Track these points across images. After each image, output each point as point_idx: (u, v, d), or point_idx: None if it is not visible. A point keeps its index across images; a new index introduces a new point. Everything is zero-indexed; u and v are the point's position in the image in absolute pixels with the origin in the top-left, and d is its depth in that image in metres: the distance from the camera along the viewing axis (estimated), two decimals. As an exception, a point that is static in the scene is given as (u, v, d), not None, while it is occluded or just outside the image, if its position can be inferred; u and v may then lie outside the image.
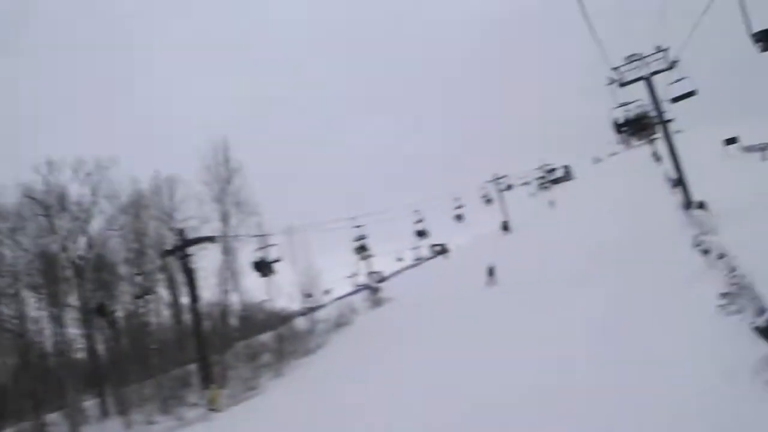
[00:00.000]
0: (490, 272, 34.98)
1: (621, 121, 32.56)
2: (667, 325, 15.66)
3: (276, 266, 35.74)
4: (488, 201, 71.62)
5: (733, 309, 14.43)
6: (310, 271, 45.47)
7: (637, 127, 33.82)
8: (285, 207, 65.40)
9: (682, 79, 29.65)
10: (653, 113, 34.20)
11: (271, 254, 35.38)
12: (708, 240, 22.02)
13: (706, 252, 21.04)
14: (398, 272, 73.14)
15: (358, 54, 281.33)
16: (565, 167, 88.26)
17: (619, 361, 14.50)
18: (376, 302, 48.70)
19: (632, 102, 32.25)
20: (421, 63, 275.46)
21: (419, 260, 77.36)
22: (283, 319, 44.29)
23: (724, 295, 15.22)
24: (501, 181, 70.20)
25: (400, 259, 79.45)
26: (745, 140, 54.46)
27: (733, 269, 17.03)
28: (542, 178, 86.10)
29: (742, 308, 14.20)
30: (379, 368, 25.14)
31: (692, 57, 29.88)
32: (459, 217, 67.74)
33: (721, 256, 19.75)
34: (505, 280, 33.16)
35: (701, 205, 29.94)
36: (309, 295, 46.58)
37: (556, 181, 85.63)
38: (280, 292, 42.58)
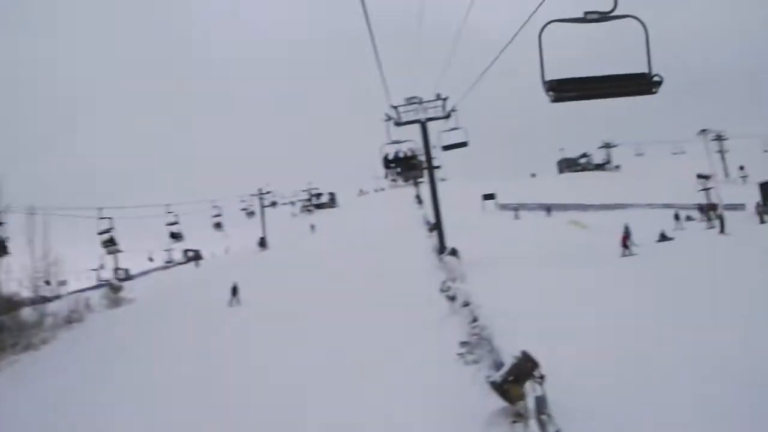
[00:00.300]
0: (234, 291, 33.21)
1: (391, 157, 33.46)
2: (407, 370, 15.65)
3: (10, 247, 31.51)
4: (250, 214, 70.64)
5: (472, 359, 14.85)
6: (47, 258, 40.81)
7: (405, 167, 35.00)
8: (33, 187, 58.73)
9: (456, 129, 31.19)
10: (423, 156, 35.69)
11: (3, 233, 31.15)
12: (455, 287, 22.97)
13: (452, 298, 21.88)
14: (146, 273, 69.11)
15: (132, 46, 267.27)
16: (331, 194, 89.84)
17: (346, 406, 14.16)
18: (116, 302, 44.92)
19: (404, 141, 33.28)
20: (203, 64, 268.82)
21: (170, 263, 73.89)
22: (9, 306, 38.93)
23: (464, 343, 15.69)
24: (265, 196, 69.53)
25: (151, 260, 75.58)
26: (502, 198, 59.53)
27: (474, 319, 17.75)
28: (308, 200, 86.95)
29: (480, 359, 14.65)
30: (105, 373, 22.77)
31: (466, 113, 31.55)
32: (218, 225, 65.73)
33: (466, 304, 20.65)
34: (252, 300, 31.93)
35: (453, 252, 31.57)
36: (47, 283, 41.74)
37: (320, 206, 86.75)
38: (11, 276, 37.58)
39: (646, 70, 8.45)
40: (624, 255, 30.75)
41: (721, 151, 73.21)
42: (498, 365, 12.95)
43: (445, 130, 31.62)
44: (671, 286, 21.20)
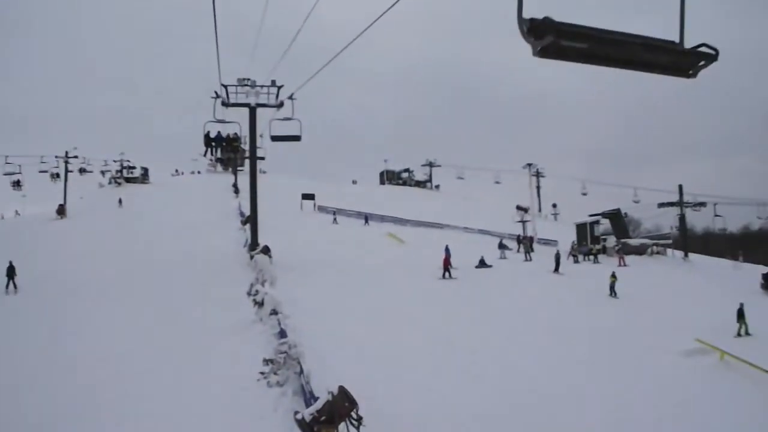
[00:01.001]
0: (10, 272, 27.07)
1: (213, 135, 31.36)
2: (197, 388, 13.63)
3: None
4: (54, 176, 64.67)
5: (276, 381, 13.23)
6: None
7: (227, 148, 32.88)
8: None
9: (290, 120, 29.38)
10: (247, 145, 33.84)
11: None
12: (263, 291, 21.12)
13: (259, 304, 20.03)
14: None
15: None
16: (144, 169, 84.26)
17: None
18: None
19: (230, 122, 31.13)
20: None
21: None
22: None
23: (268, 361, 13.94)
24: (72, 160, 63.93)
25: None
26: (321, 200, 58.61)
27: (282, 333, 16.19)
28: (119, 172, 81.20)
29: (285, 381, 13.13)
30: None
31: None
32: (17, 184, 59.46)
33: (274, 312, 19.02)
34: (33, 284, 27.00)
35: (266, 250, 29.66)
36: None
37: (130, 180, 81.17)
38: None
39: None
40: (444, 277, 30.50)
41: (539, 187, 77.29)
42: (307, 395, 11.49)
43: (278, 119, 29.73)
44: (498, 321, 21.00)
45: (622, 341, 19.70)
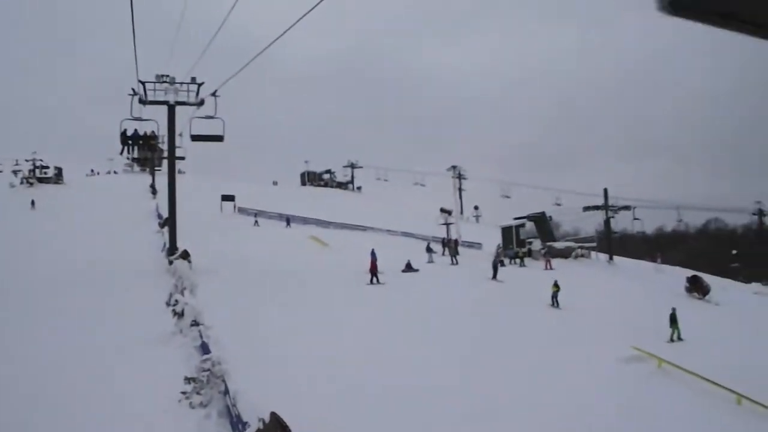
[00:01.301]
0: None
1: (130, 133, 30.09)
2: (111, 410, 12.51)
3: None
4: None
5: (199, 401, 12.30)
6: None
7: (144, 146, 31.63)
8: None
9: (212, 118, 28.24)
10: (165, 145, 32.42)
11: None
12: (183, 301, 19.95)
13: (179, 314, 18.90)
14: None
15: None
16: (58, 169, 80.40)
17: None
18: None
19: (147, 120, 29.85)
20: None
21: None
22: None
23: (190, 380, 12.96)
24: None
25: None
26: (241, 201, 57.33)
27: (204, 346, 15.23)
28: (32, 172, 77.31)
29: (209, 401, 12.22)
30: None
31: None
32: None
33: (195, 324, 18.01)
34: None
35: (185, 255, 28.38)
36: None
37: (43, 180, 77.33)
38: None
39: None
40: (372, 282, 29.79)
41: (461, 189, 77.52)
42: (234, 418, 10.65)
43: (199, 117, 28.53)
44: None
45: (566, 350, 19.57)
